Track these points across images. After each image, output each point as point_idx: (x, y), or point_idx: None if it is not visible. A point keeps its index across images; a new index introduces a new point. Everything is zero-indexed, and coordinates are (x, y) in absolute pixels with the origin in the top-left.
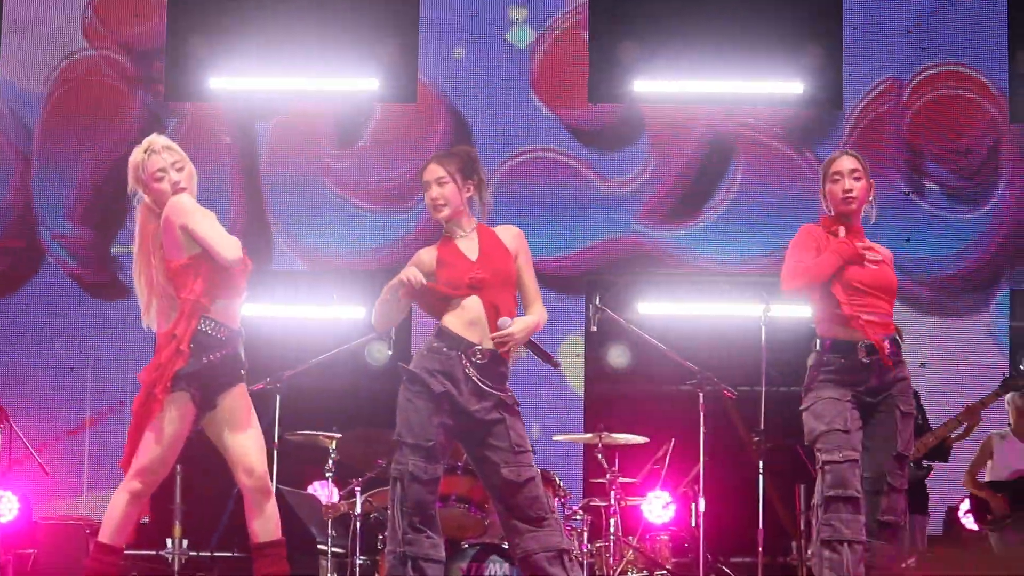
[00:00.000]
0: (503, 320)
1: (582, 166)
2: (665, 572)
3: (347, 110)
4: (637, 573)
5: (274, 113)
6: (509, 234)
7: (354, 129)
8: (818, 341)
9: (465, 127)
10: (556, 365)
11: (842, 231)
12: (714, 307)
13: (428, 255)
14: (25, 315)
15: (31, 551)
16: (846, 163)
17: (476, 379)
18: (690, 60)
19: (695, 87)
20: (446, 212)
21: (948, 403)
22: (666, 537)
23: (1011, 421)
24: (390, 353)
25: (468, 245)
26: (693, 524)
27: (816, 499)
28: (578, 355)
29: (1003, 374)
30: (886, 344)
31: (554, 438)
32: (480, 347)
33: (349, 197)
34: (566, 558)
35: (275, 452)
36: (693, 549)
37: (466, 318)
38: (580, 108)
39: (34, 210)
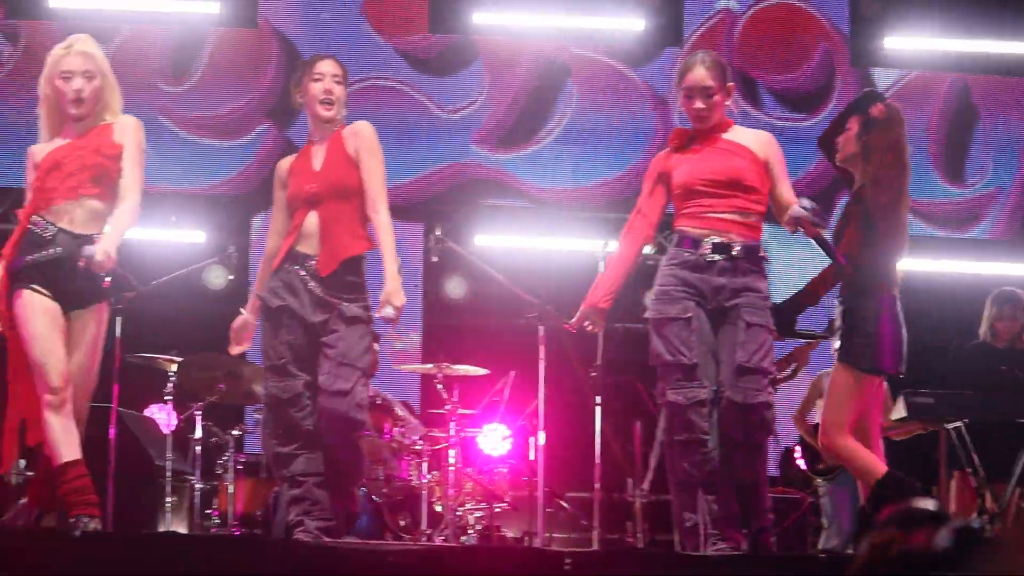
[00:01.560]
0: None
1: (417, 93)
2: (503, 505)
3: (184, 33)
4: (475, 505)
5: (112, 34)
6: (351, 134)
7: (191, 53)
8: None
9: (297, 55)
10: None
11: None
12: (554, 241)
13: (285, 166)
14: None
15: None
16: (698, 78)
17: (315, 289)
18: None
19: (534, 21)
20: (334, 111)
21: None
22: (504, 470)
23: None
24: (230, 278)
25: (318, 152)
26: (531, 458)
27: (661, 436)
28: (416, 285)
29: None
30: (737, 246)
31: (394, 367)
32: (316, 258)
33: (183, 126)
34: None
35: (116, 375)
36: (531, 483)
37: (303, 232)
38: (416, 37)
39: None
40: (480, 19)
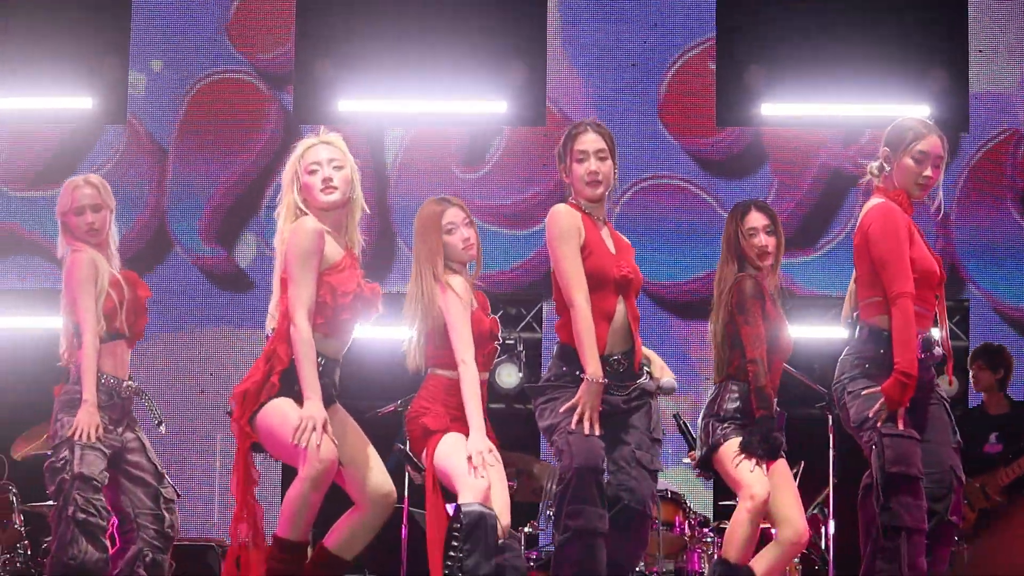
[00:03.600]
0: (666, 381)
1: (704, 193)
2: None
3: (474, 132)
4: None
5: (402, 136)
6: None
7: (481, 151)
8: (876, 331)
9: None
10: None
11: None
12: (843, 331)
13: (574, 221)
14: (159, 329)
15: None
16: (940, 146)
17: (617, 391)
18: (816, 84)
19: (821, 111)
20: (601, 190)
21: None
22: (796, 560)
23: None
24: (520, 375)
25: (605, 235)
26: (823, 547)
27: (873, 477)
28: (707, 378)
29: None
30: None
31: (684, 460)
32: (617, 356)
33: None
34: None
35: (406, 474)
36: (823, 572)
37: (609, 322)
38: (706, 134)
39: (169, 231)
40: (768, 111)
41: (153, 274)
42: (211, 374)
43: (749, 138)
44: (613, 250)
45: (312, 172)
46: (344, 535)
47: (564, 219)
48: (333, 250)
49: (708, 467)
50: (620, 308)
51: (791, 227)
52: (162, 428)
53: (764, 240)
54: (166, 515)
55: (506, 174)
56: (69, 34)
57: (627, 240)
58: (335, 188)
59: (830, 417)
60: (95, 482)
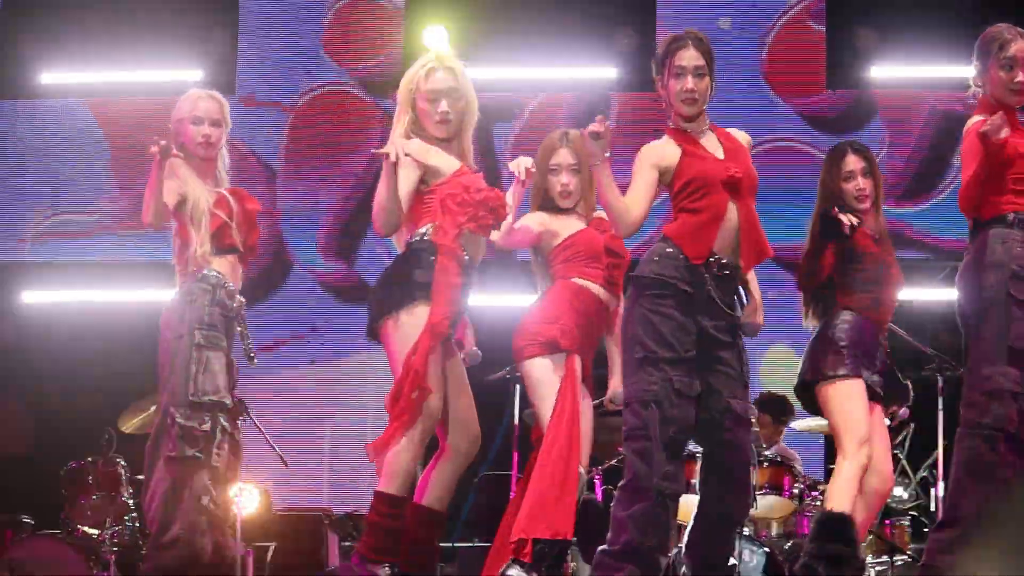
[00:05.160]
0: (749, 325)
1: (819, 152)
2: (906, 557)
3: (583, 100)
4: (877, 558)
5: (512, 108)
6: (745, 139)
7: (591, 119)
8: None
9: None
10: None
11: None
12: (950, 292)
13: (668, 149)
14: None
15: (271, 543)
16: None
17: (712, 294)
18: (927, 45)
19: (931, 72)
20: (696, 109)
21: None
22: (906, 522)
23: None
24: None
25: (709, 142)
26: (933, 509)
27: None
28: None
29: None
30: None
31: (792, 424)
32: (723, 258)
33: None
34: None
35: (516, 439)
36: None
37: (718, 224)
38: (815, 95)
39: (287, 250)
40: (878, 73)
41: (276, 295)
42: (320, 345)
43: (858, 96)
44: (721, 155)
45: (432, 101)
46: (433, 487)
47: (641, 155)
48: (449, 162)
49: (809, 395)
50: (732, 208)
51: (907, 177)
52: (254, 361)
53: (862, 183)
54: None
55: (620, 146)
56: (178, 6)
57: (745, 137)
58: (449, 123)
59: (940, 379)
60: None
